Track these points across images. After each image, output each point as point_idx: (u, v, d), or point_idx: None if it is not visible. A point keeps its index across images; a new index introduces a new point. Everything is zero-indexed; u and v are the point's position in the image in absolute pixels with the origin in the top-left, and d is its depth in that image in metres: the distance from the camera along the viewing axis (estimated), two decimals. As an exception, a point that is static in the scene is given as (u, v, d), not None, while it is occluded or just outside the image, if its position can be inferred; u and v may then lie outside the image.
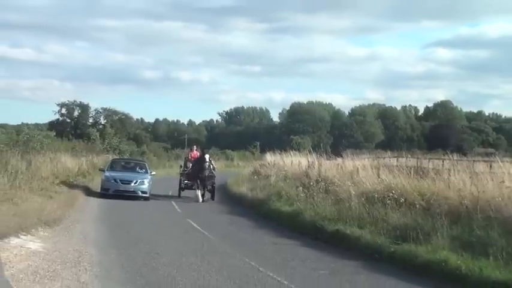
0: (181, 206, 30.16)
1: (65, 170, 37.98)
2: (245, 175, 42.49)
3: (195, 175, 32.48)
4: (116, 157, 49.21)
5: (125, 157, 55.70)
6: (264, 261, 14.96)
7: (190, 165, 34.32)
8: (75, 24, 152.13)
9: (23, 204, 20.50)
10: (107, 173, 33.54)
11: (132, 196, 31.45)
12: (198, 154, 34.95)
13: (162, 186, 38.25)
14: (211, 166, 33.02)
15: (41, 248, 15.45)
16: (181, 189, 35.19)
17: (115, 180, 32.45)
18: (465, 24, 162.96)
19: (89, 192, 33.33)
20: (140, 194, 32.06)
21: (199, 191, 32.13)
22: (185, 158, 36.71)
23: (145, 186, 32.22)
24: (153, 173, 35.76)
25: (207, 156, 32.85)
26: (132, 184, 32.10)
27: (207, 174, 32.41)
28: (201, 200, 31.99)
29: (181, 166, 37.43)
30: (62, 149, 45.45)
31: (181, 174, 35.78)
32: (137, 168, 35.78)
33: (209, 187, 34.00)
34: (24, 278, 11.46)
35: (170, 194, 36.33)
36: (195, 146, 38.38)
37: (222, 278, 13.25)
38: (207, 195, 33.62)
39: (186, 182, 34.67)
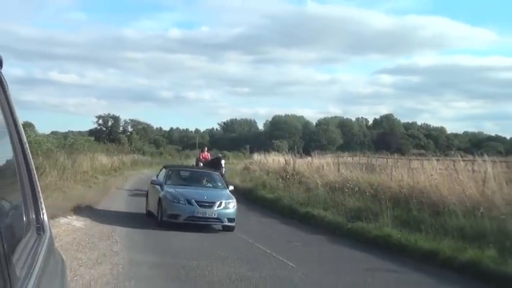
0: None
1: (101, 166, 37.73)
2: (238, 170, 42.16)
3: None
4: (169, 164, 28.92)
5: (181, 164, 39.20)
6: (252, 235, 14.95)
7: (201, 164, 26.61)
8: (108, 56, 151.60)
9: (69, 192, 20.38)
10: (170, 189, 17.16)
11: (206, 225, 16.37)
12: (208, 155, 28.79)
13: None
14: (224, 170, 25.14)
15: (83, 225, 15.41)
16: None
17: (188, 201, 16.30)
18: (402, 56, 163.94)
19: (118, 183, 33.01)
20: (226, 222, 16.24)
21: None
22: (196, 158, 28.86)
23: (232, 210, 16.53)
24: (231, 187, 18.93)
25: (223, 162, 25.29)
26: (216, 208, 16.27)
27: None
28: None
29: (192, 166, 28.61)
30: (99, 150, 45.06)
31: None
32: (205, 181, 19.16)
33: None
34: (70, 248, 11.39)
35: None
36: (206, 148, 31.47)
37: (219, 247, 13.22)
38: None
39: None
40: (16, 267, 1.89)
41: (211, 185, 18.28)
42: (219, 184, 18.27)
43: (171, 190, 16.67)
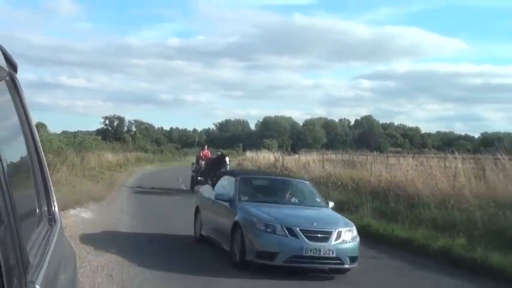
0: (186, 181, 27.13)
1: (108, 162, 37.52)
2: (232, 166, 42.24)
3: (212, 174, 20.09)
4: (227, 168, 21.82)
5: (251, 170, 27.80)
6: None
7: (202, 162, 24.62)
8: (113, 62, 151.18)
9: (78, 186, 20.30)
10: (252, 208, 10.07)
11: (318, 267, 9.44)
12: (209, 153, 26.68)
13: (179, 171, 38.24)
14: (228, 167, 22.94)
15: (90, 216, 15.37)
16: (194, 184, 23.81)
17: (289, 230, 9.09)
18: (380, 63, 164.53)
19: (123, 178, 32.93)
20: (348, 264, 9.15)
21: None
22: (197, 156, 26.38)
23: (354, 244, 9.40)
24: (332, 204, 11.08)
25: (227, 159, 23.18)
26: (333, 241, 9.08)
27: None
28: None
29: (193, 163, 26.53)
30: (105, 148, 44.99)
31: (195, 171, 24.90)
32: (290, 195, 11.32)
33: None
34: (79, 238, 11.34)
35: (183, 187, 31.59)
36: (206, 146, 28.87)
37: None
38: None
39: (199, 178, 23.86)
40: (29, 255, 1.88)
41: (301, 200, 11.16)
42: (317, 199, 11.24)
43: (257, 211, 9.88)
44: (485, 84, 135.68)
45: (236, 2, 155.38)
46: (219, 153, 26.22)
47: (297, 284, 8.86)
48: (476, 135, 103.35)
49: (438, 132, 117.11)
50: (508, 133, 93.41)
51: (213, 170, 21.16)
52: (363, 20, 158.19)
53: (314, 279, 9.23)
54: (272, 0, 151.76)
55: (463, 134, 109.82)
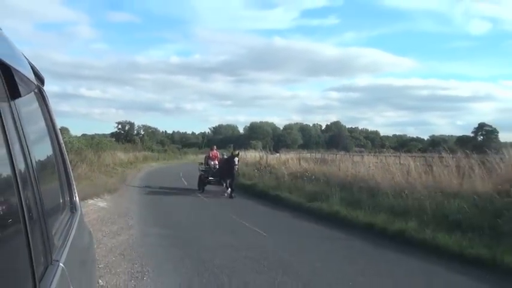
0: (189, 180, 28.44)
1: (120, 160, 37.39)
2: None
3: (224, 174, 20.06)
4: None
5: None
6: (235, 212, 14.89)
7: (211, 162, 21.69)
8: (124, 76, 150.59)
9: (96, 180, 20.21)
10: None
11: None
12: (218, 153, 23.26)
13: (180, 167, 38.23)
14: (237, 167, 20.22)
15: (105, 205, 15.26)
16: (203, 184, 21.19)
17: None
18: (346, 78, 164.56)
19: (133, 173, 32.84)
20: None
21: (228, 189, 19.43)
22: (206, 157, 23.06)
23: None
24: None
25: (236, 160, 19.86)
26: None
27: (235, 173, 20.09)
28: (226, 194, 19.36)
29: (200, 163, 23.30)
30: (118, 148, 44.77)
31: (204, 171, 21.71)
32: None
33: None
34: (96, 223, 11.31)
35: (181, 175, 30.36)
36: (215, 146, 25.01)
37: (211, 220, 13.22)
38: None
39: (210, 178, 21.09)
40: (54, 238, 1.87)
41: None
42: None
43: None
44: (431, 95, 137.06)
45: (227, 27, 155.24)
46: (235, 152, 22.03)
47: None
48: (425, 138, 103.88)
49: (394, 135, 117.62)
50: (451, 135, 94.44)
51: (228, 170, 19.50)
52: (332, 42, 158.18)
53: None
54: (256, 25, 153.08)
55: (414, 136, 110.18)
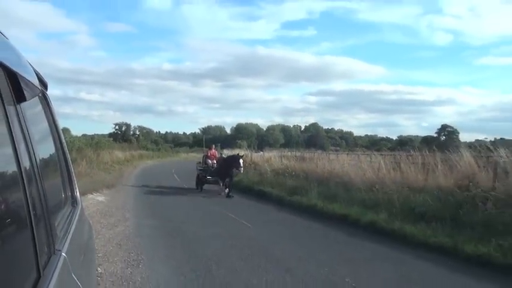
0: (181, 176, 25.81)
1: (117, 158, 37.01)
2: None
3: (223, 173, 18.02)
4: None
5: None
6: (222, 205, 14.88)
7: (210, 161, 19.61)
8: (121, 82, 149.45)
9: (95, 176, 20.02)
10: None
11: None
12: (216, 152, 21.33)
13: (172, 165, 38.02)
14: (242, 169, 18.20)
15: (104, 199, 15.14)
16: (202, 183, 19.31)
17: None
18: (323, 83, 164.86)
19: (129, 170, 32.58)
20: None
21: (226, 189, 17.65)
22: (204, 156, 21.03)
23: None
24: None
25: (241, 161, 17.82)
26: None
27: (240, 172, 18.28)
28: (224, 193, 17.58)
29: (198, 162, 21.17)
30: (116, 147, 44.39)
31: (202, 171, 19.69)
32: None
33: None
34: (95, 216, 11.21)
35: (173, 171, 29.93)
36: (213, 145, 22.74)
37: (201, 213, 13.19)
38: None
39: (208, 177, 19.00)
40: (57, 229, 1.86)
41: None
42: None
43: None
44: (399, 99, 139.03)
45: (214, 37, 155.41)
46: (240, 153, 19.89)
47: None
48: (394, 138, 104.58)
49: (366, 135, 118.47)
50: (417, 136, 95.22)
51: (226, 170, 17.80)
52: (310, 52, 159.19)
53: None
54: (241, 36, 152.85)
55: (384, 136, 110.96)
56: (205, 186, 19.15)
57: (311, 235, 10.24)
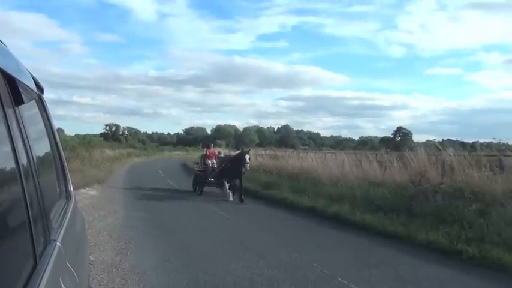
0: (166, 172, 26.37)
1: (108, 156, 36.36)
2: (195, 158, 41.88)
3: (231, 174, 14.54)
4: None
5: None
6: (203, 199, 14.78)
7: (209, 162, 16.42)
8: (110, 86, 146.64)
9: (87, 172, 19.60)
10: None
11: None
12: (215, 151, 17.90)
13: (157, 162, 37.57)
14: (248, 166, 14.39)
15: (95, 194, 14.89)
16: (201, 185, 16.06)
17: None
18: (293, 90, 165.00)
19: (119, 167, 32.09)
20: None
21: (230, 191, 14.48)
22: (202, 155, 17.81)
23: None
24: None
25: (247, 157, 14.12)
26: None
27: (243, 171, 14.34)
28: (231, 198, 14.16)
29: (196, 163, 18.76)
30: (106, 146, 43.54)
31: (201, 171, 16.55)
32: None
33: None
34: (87, 209, 10.97)
35: (159, 167, 29.54)
36: (212, 144, 19.05)
37: (183, 206, 13.03)
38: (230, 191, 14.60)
39: (210, 179, 15.81)
40: (52, 221, 1.83)
41: None
42: None
43: None
44: (360, 104, 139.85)
45: (196, 47, 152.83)
46: (246, 149, 15.48)
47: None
48: (356, 138, 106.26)
49: (331, 136, 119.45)
50: (376, 137, 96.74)
51: (234, 169, 14.35)
52: (282, 61, 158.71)
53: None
54: (220, 46, 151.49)
55: (347, 137, 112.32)
56: (206, 189, 16.25)
57: (282, 225, 10.28)
